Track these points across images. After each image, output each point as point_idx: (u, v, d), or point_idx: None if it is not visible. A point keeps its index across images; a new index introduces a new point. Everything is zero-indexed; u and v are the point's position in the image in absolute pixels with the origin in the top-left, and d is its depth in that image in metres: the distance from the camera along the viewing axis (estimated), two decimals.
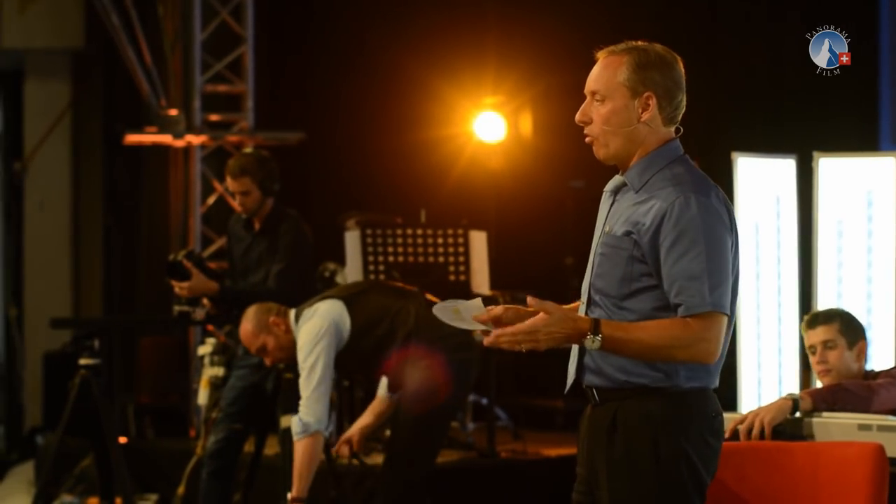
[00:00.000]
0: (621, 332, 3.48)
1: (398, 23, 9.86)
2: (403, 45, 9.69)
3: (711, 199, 3.54)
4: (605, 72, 3.61)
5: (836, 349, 5.08)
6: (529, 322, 3.47)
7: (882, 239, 6.84)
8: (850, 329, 5.12)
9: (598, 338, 3.46)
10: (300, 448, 5.81)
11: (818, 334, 5.11)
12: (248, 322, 6.04)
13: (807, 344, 5.17)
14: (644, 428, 3.55)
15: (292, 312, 6.02)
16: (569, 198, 9.45)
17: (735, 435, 4.49)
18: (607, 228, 3.62)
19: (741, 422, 4.54)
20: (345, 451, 6.08)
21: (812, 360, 5.15)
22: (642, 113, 3.59)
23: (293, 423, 5.82)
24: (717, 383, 3.63)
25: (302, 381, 5.83)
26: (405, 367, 5.95)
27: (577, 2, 9.55)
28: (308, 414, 5.79)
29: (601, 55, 3.65)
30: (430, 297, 6.23)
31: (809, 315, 5.26)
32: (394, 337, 5.95)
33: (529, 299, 3.48)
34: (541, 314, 3.48)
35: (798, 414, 4.60)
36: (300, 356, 5.85)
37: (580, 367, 3.65)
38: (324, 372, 5.81)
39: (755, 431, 4.50)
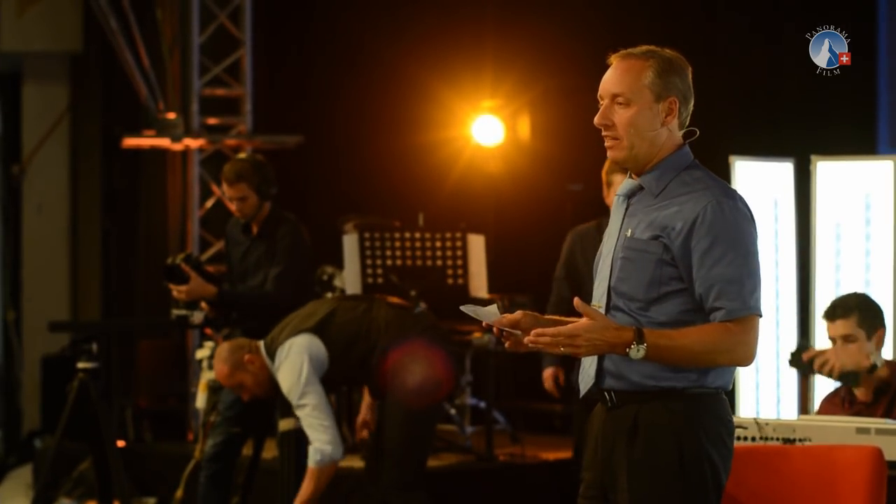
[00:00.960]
0: (665, 340, 3.48)
1: (396, 26, 9.85)
2: (402, 49, 9.69)
3: (738, 202, 3.56)
4: (628, 75, 3.59)
5: (856, 343, 5.09)
6: (572, 326, 3.46)
7: (880, 242, 6.85)
8: (868, 320, 5.13)
9: (642, 346, 3.45)
10: (317, 474, 5.86)
11: (837, 328, 5.12)
12: (223, 363, 6.07)
13: (827, 335, 5.18)
14: (667, 429, 3.54)
15: (261, 344, 6.04)
16: (567, 201, 9.42)
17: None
18: (628, 233, 3.61)
19: (819, 356, 5.00)
20: (365, 433, 6.21)
21: (833, 347, 5.16)
22: (666, 117, 3.60)
23: (311, 452, 5.88)
24: (731, 385, 3.65)
25: (304, 419, 5.90)
26: (400, 365, 5.96)
27: (574, 5, 9.54)
28: (324, 441, 5.84)
29: (617, 58, 3.63)
30: (385, 297, 6.30)
31: (829, 306, 5.27)
32: (373, 348, 5.99)
33: (576, 301, 3.46)
34: (584, 319, 3.46)
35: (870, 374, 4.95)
36: (292, 398, 5.91)
37: (600, 371, 3.62)
38: (319, 401, 5.87)
39: (826, 370, 4.98)
